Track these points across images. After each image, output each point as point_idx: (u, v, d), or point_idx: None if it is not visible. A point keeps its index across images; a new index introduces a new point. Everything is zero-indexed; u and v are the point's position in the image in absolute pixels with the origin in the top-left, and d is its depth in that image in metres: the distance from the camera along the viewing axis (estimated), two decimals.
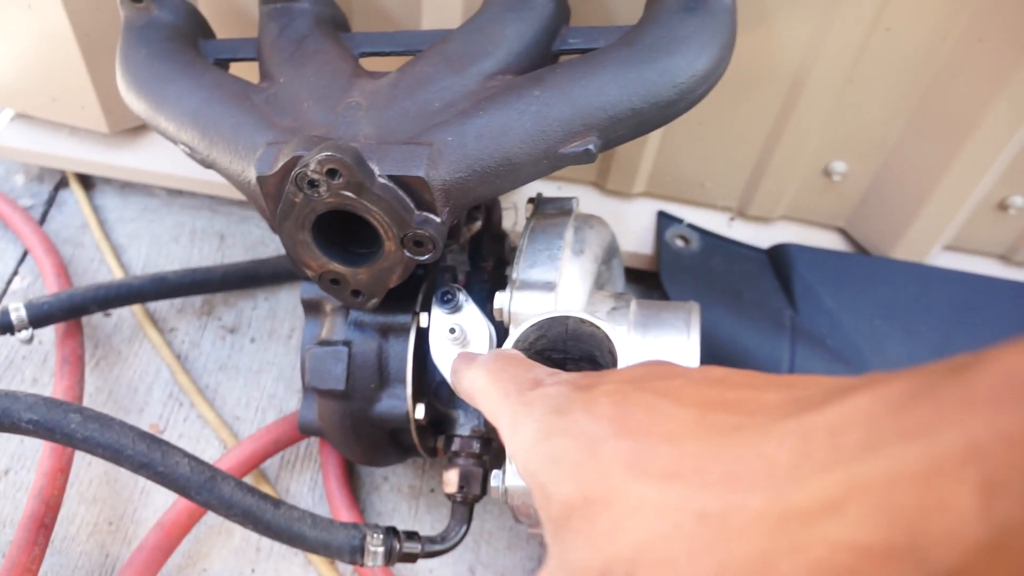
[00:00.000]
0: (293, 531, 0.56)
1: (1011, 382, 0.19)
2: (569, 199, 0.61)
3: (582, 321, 0.47)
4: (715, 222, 0.79)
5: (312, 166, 0.49)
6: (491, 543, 0.67)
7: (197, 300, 0.80)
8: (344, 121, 0.54)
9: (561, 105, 0.51)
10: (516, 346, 0.48)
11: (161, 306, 0.79)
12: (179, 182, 0.82)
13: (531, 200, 0.61)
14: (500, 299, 0.53)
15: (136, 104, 0.62)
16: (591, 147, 0.51)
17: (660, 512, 0.25)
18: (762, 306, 0.75)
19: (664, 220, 0.78)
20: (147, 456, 0.54)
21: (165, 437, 0.71)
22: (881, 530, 0.20)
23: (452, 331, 0.55)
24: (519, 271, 0.54)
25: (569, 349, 0.50)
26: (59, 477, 0.62)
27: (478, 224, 0.64)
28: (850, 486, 0.21)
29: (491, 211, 0.66)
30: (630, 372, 0.32)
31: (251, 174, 0.54)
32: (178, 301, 0.79)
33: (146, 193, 0.87)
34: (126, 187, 0.87)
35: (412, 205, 0.52)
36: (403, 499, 0.69)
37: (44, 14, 0.72)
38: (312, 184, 0.50)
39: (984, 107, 0.65)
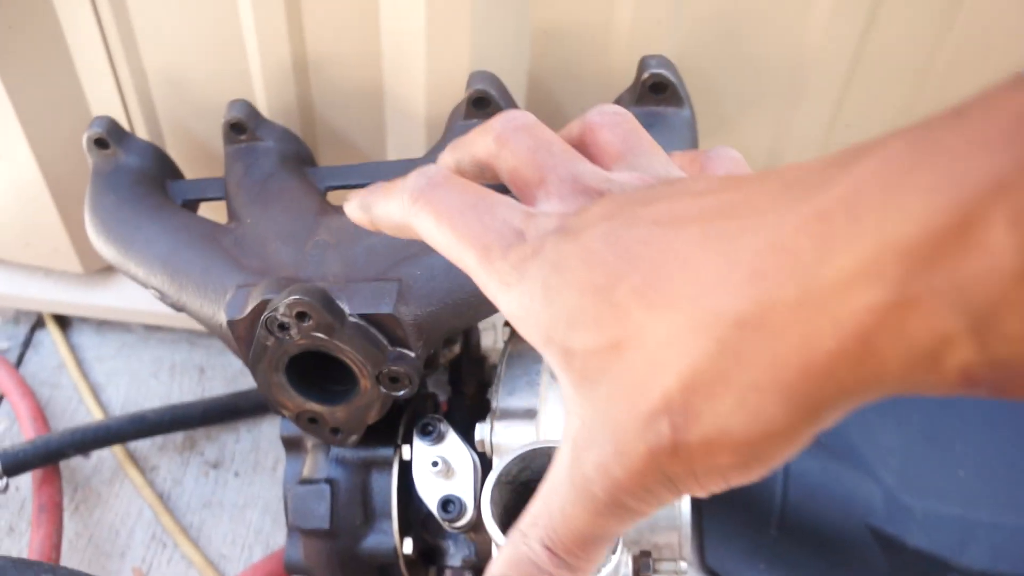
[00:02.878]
0: None
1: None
2: None
3: None
4: None
5: (281, 310, 0.49)
6: None
7: (179, 436, 0.78)
8: (312, 260, 0.54)
9: None
10: (499, 480, 0.47)
11: (142, 444, 0.78)
12: (156, 318, 0.82)
13: (507, 323, 0.61)
14: (481, 430, 0.53)
15: (105, 250, 0.62)
16: None
17: (694, 334, 0.24)
18: None
19: None
20: None
21: None
22: (922, 280, 0.20)
23: (435, 464, 0.54)
24: (498, 400, 0.54)
25: None
26: None
27: (456, 349, 0.64)
28: (881, 248, 0.20)
29: (469, 334, 0.66)
30: (610, 205, 0.29)
31: (222, 318, 0.53)
32: (159, 439, 0.78)
33: (123, 330, 0.86)
34: (103, 325, 0.86)
35: (385, 342, 0.51)
36: None
37: (14, 162, 0.73)
38: (283, 327, 0.50)
39: None
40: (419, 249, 0.52)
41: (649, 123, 0.54)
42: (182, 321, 0.81)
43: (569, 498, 0.28)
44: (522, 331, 0.30)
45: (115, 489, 0.75)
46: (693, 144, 0.55)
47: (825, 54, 0.59)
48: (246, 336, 0.53)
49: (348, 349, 0.50)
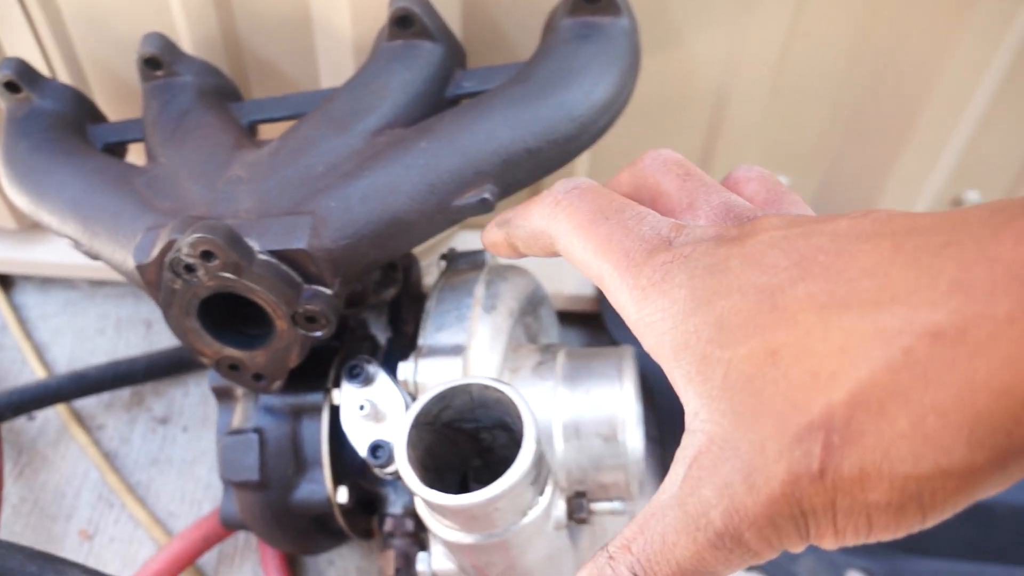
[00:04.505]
0: None
1: None
2: (482, 251, 0.57)
3: (486, 387, 0.43)
4: None
5: (185, 250, 0.46)
6: None
7: (126, 392, 0.76)
8: (224, 197, 0.51)
9: (450, 155, 0.48)
10: (418, 421, 0.43)
11: (89, 403, 0.75)
12: (100, 272, 0.78)
13: (443, 256, 0.58)
14: (404, 370, 0.50)
15: (19, 199, 0.58)
16: (487, 196, 0.48)
17: (878, 342, 0.21)
18: None
19: None
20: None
21: (95, 542, 0.67)
22: None
23: (362, 407, 0.51)
24: (425, 336, 0.51)
25: (479, 417, 0.46)
26: None
27: (393, 289, 0.60)
28: None
29: (409, 271, 0.62)
30: (780, 220, 0.27)
31: (132, 263, 0.50)
32: (106, 396, 0.75)
33: (68, 287, 0.83)
34: (46, 282, 0.83)
35: (299, 279, 0.48)
36: None
37: None
38: (189, 269, 0.47)
39: (917, 103, 0.62)
40: (336, 180, 0.49)
41: (584, 34, 0.51)
42: None
43: (676, 524, 0.25)
44: (649, 341, 0.27)
45: (60, 451, 0.72)
46: (634, 56, 0.51)
47: None
48: (156, 280, 0.49)
49: (259, 289, 0.47)
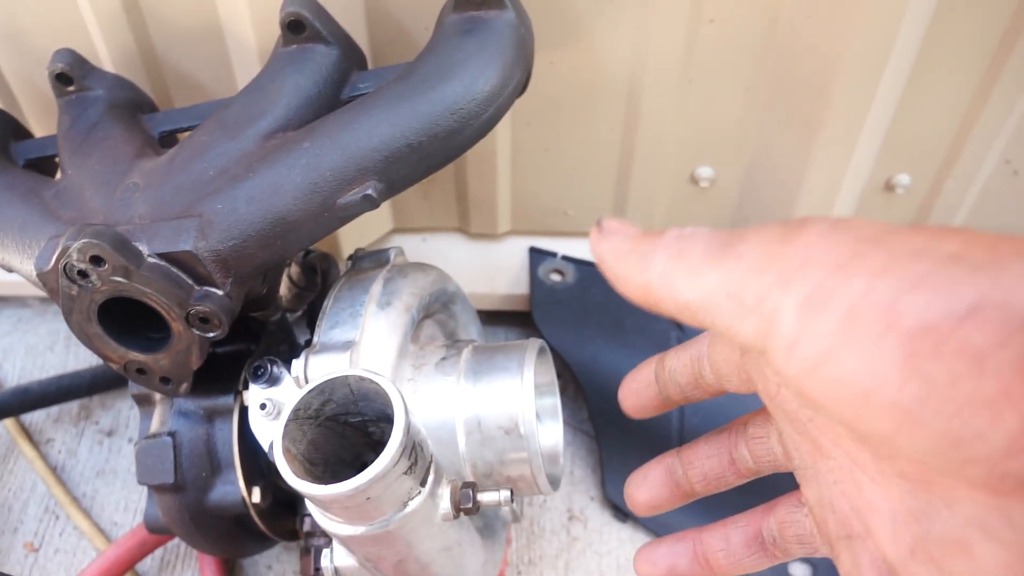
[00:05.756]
0: None
1: None
2: (387, 250, 0.57)
3: (361, 379, 0.44)
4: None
5: (75, 256, 0.47)
6: None
7: (74, 406, 0.77)
8: (121, 205, 0.52)
9: (332, 153, 0.48)
10: (299, 416, 0.44)
11: (37, 417, 0.76)
12: None
13: (350, 256, 0.58)
14: (295, 366, 0.50)
15: None
16: (370, 192, 0.48)
17: None
18: (645, 331, 0.70)
19: (536, 256, 0.74)
20: None
21: (40, 554, 0.68)
22: None
23: (263, 406, 0.52)
24: (320, 333, 0.51)
25: (363, 411, 0.46)
26: None
27: (312, 292, 0.61)
28: None
29: (327, 274, 0.63)
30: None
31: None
32: (54, 410, 0.77)
33: (20, 304, 0.84)
34: None
35: (190, 281, 0.49)
36: None
37: None
38: (82, 274, 0.48)
39: (830, 84, 0.62)
40: (224, 183, 0.50)
41: (467, 28, 0.51)
42: None
43: None
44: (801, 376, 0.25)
45: (9, 465, 0.74)
46: (520, 48, 0.52)
47: None
48: (57, 287, 0.50)
49: (150, 291, 0.48)
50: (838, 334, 0.24)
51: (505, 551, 0.63)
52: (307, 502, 0.46)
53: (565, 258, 0.74)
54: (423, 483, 0.44)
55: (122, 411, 0.76)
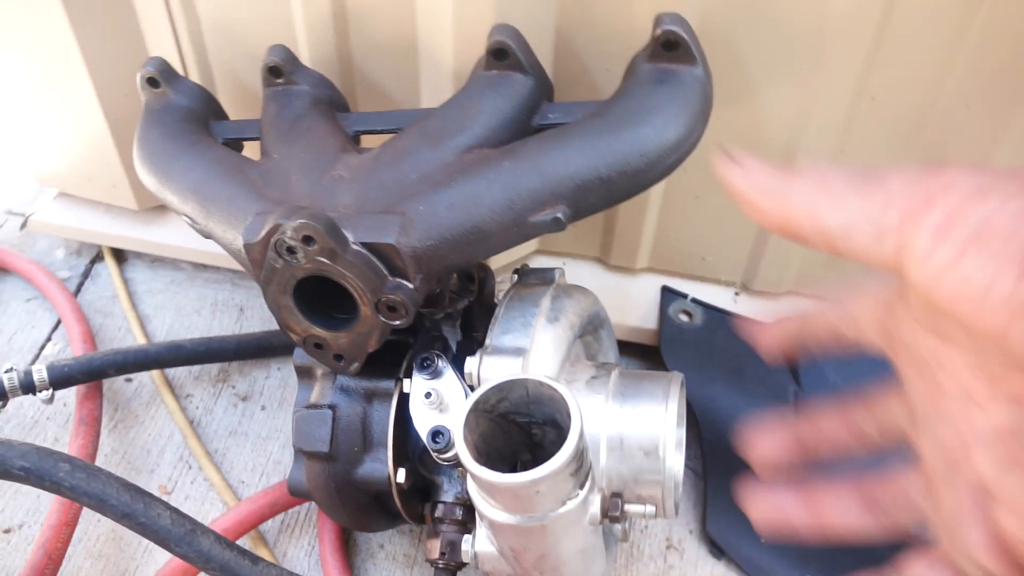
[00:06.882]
0: None
1: None
2: (552, 269, 0.62)
3: (541, 384, 0.48)
4: (721, 297, 0.79)
5: (289, 233, 0.52)
6: None
7: (214, 368, 0.82)
8: (326, 192, 0.57)
9: (530, 175, 0.53)
10: (477, 407, 0.48)
11: (180, 373, 0.82)
12: (204, 257, 0.86)
13: (516, 271, 0.63)
14: (470, 363, 0.54)
15: (147, 179, 0.65)
16: (559, 215, 0.53)
17: None
18: (765, 382, 0.74)
19: (668, 295, 0.78)
20: (129, 507, 0.55)
21: (172, 498, 0.73)
22: None
23: (428, 395, 0.56)
24: (492, 337, 0.56)
25: (532, 412, 0.50)
26: (64, 531, 0.64)
27: (468, 299, 0.66)
28: None
29: (484, 283, 0.67)
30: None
31: (240, 242, 0.56)
32: (196, 369, 0.82)
33: (174, 267, 0.91)
34: (156, 261, 0.91)
35: (385, 271, 0.53)
36: (398, 567, 0.70)
37: (81, 103, 0.78)
38: (290, 250, 0.53)
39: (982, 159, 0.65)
40: (426, 187, 0.54)
41: (660, 79, 0.55)
42: (227, 262, 0.86)
43: None
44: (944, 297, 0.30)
45: (151, 412, 0.79)
46: (705, 103, 0.56)
47: (849, 21, 0.59)
48: (260, 259, 0.55)
49: (349, 275, 0.52)
50: (967, 243, 0.28)
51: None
52: (470, 486, 0.50)
53: (695, 301, 0.78)
54: (582, 486, 0.48)
55: (258, 379, 0.82)
